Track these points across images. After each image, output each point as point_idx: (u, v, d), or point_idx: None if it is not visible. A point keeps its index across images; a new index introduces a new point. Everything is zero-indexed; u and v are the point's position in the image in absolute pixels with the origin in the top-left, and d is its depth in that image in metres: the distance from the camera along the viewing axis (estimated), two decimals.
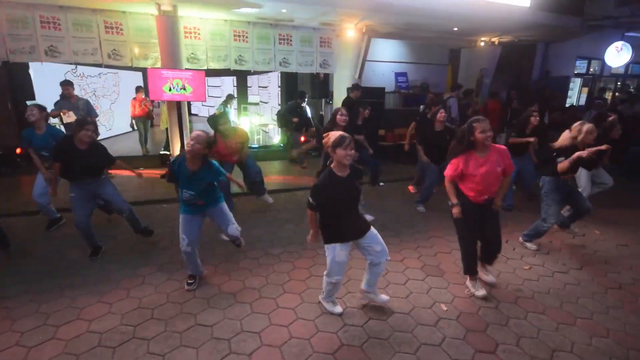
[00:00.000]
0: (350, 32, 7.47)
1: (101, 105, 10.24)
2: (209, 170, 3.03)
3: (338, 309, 2.87)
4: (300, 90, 8.24)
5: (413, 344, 2.56)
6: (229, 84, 12.80)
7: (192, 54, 6.90)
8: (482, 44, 9.15)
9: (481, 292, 3.14)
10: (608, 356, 2.52)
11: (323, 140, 2.56)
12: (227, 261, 3.66)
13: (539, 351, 2.54)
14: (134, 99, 8.47)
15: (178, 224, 3.00)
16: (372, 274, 2.84)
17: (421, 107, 7.76)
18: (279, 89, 9.53)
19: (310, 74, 8.77)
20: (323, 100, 9.29)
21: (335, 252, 2.64)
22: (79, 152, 3.46)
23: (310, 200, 2.56)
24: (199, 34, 6.86)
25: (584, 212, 4.03)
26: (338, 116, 4.39)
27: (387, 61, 9.91)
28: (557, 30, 7.56)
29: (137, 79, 11.81)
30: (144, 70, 7.66)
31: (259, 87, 11.11)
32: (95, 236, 3.73)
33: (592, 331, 2.77)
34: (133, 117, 8.63)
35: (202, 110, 14.64)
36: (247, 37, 7.25)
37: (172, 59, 6.23)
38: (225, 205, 3.28)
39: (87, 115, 5.74)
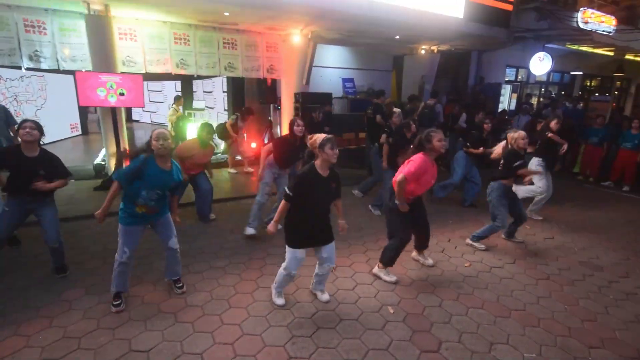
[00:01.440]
0: (296, 37, 7.46)
1: (24, 111, 9.25)
2: (177, 168, 2.96)
3: (281, 301, 3.03)
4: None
5: (361, 350, 2.55)
6: (170, 89, 12.22)
7: (128, 56, 6.47)
8: (423, 51, 9.61)
9: (394, 277, 3.49)
10: (539, 344, 2.69)
11: (310, 141, 2.76)
12: None
13: (478, 345, 2.65)
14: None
15: (111, 241, 2.78)
16: (317, 275, 3.09)
17: (368, 110, 7.92)
18: (225, 94, 9.26)
19: (257, 79, 8.64)
20: (271, 105, 9.19)
21: (296, 254, 2.86)
22: (26, 160, 3.09)
23: (289, 192, 2.72)
24: (135, 35, 6.45)
25: (523, 219, 4.35)
26: (295, 127, 4.21)
27: (334, 67, 10.07)
28: (487, 40, 8.15)
29: (67, 82, 10.88)
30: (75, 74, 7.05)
31: (204, 92, 10.73)
32: None
33: (525, 321, 2.95)
34: None
35: (144, 116, 13.82)
36: (188, 40, 6.96)
37: (104, 62, 5.80)
38: (170, 216, 3.11)
39: (4, 124, 5.14)
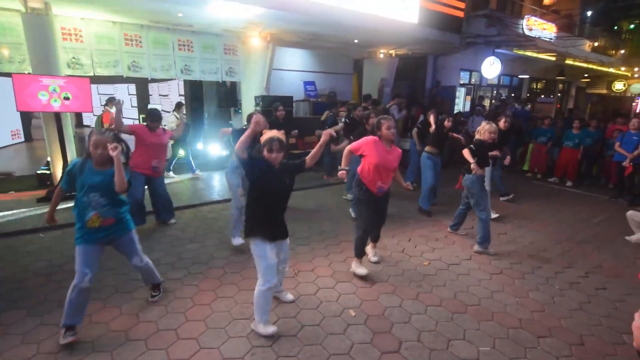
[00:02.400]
0: (255, 40, 7.37)
1: None
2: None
3: (272, 328, 2.71)
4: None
5: (322, 356, 2.53)
6: (123, 92, 11.63)
7: (74, 58, 6.08)
8: (382, 55, 9.83)
9: (365, 271, 3.58)
10: (493, 337, 2.80)
11: (261, 138, 2.62)
12: (117, 292, 3.23)
13: (436, 343, 2.71)
14: (105, 112, 7.47)
15: (56, 257, 2.57)
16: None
17: (326, 112, 7.97)
18: (182, 97, 8.95)
19: (216, 82, 8.43)
20: (232, 109, 9.02)
21: (267, 255, 2.62)
22: None
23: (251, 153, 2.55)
24: (80, 36, 6.08)
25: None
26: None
27: (295, 70, 10.04)
28: (441, 44, 8.48)
29: (6, 85, 10.05)
30: None
31: (160, 95, 10.31)
32: None
33: (480, 316, 3.07)
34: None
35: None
36: (141, 42, 6.66)
37: (45, 64, 5.40)
38: (135, 233, 2.88)
39: None
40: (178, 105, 7.50)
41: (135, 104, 11.16)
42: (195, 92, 8.80)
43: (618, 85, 17.44)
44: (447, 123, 5.51)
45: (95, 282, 3.29)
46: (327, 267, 3.82)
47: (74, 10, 5.62)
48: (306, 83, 9.99)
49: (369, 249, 3.98)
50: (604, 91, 18.44)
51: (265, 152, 2.54)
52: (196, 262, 3.82)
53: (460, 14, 8.26)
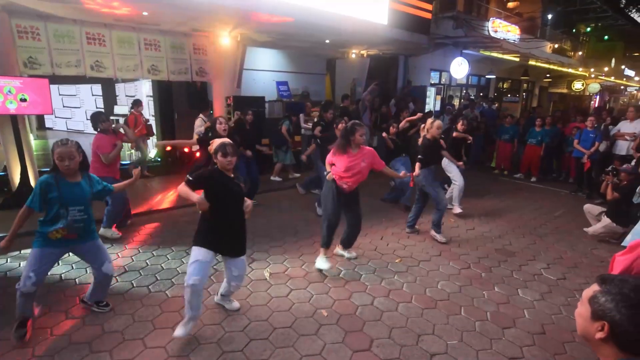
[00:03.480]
0: (225, 40, 7.24)
1: None
2: (89, 180, 2.69)
3: (181, 330, 2.61)
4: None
5: (294, 358, 2.52)
6: (86, 93, 11.16)
7: (31, 57, 5.76)
8: (354, 55, 9.91)
9: (328, 265, 3.68)
10: (461, 331, 2.89)
11: (208, 148, 2.64)
12: (80, 302, 3.09)
13: (407, 339, 2.76)
14: (131, 114, 7.10)
15: (11, 267, 2.45)
16: (226, 288, 2.95)
17: (301, 115, 7.97)
18: (150, 98, 8.67)
19: (186, 83, 8.23)
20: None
21: (198, 254, 2.56)
22: None
23: (190, 177, 2.53)
24: (38, 34, 5.76)
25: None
26: (217, 125, 4.54)
27: (267, 70, 9.95)
28: (411, 45, 8.65)
29: None
30: None
31: (126, 96, 9.95)
32: None
33: (449, 311, 3.15)
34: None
35: (59, 122, 12.44)
36: (104, 41, 6.39)
37: None
38: (99, 241, 2.82)
39: None
40: (203, 108, 7.42)
41: (100, 105, 10.70)
42: (164, 92, 8.55)
43: (577, 85, 18.40)
44: (392, 129, 5.71)
45: (56, 293, 3.20)
46: (300, 268, 3.82)
47: (31, 7, 5.32)
48: (279, 83, 9.91)
49: (339, 249, 4.06)
50: (565, 90, 19.41)
51: (219, 157, 2.49)
52: (165, 269, 3.72)
53: (428, 15, 8.45)
